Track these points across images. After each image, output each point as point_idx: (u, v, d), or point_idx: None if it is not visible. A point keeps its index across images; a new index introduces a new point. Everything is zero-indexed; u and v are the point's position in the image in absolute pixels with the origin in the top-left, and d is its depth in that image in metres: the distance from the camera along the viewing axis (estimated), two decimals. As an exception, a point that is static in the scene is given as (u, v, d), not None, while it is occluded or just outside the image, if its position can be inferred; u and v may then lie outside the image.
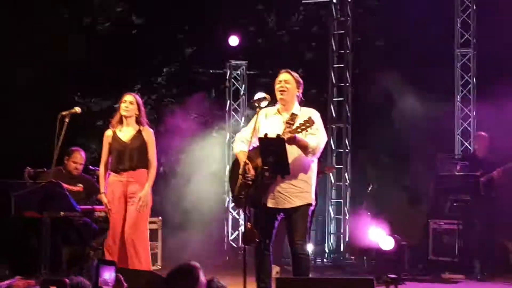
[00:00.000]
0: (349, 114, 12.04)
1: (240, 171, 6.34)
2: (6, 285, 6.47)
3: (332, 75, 12.19)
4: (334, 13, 12.26)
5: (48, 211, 7.16)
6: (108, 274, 4.39)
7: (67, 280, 4.64)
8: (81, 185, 8.70)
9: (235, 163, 6.65)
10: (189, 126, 12.43)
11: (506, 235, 9.98)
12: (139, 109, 7.51)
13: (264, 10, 13.54)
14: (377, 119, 12.11)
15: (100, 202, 8.35)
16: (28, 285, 6.67)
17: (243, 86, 12.94)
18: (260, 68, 13.05)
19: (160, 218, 10.04)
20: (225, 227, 12.63)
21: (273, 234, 6.54)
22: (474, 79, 11.43)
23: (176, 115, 12.52)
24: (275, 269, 8.58)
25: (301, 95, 6.66)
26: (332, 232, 12.03)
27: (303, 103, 6.65)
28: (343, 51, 12.15)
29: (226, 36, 12.58)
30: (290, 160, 6.21)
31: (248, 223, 6.24)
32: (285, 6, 13.48)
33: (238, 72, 12.98)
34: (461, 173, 10.01)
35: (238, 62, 12.96)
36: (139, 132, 7.47)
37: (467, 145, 11.26)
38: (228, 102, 12.91)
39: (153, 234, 9.25)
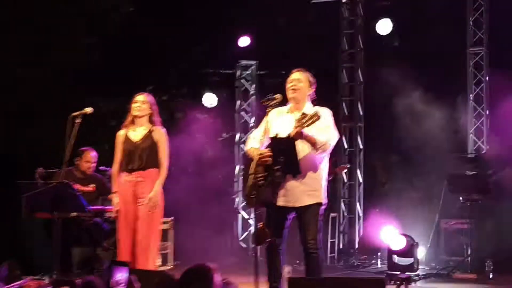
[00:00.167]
0: (361, 113, 12.03)
1: (251, 171, 6.33)
2: (18, 286, 6.49)
3: (343, 74, 12.17)
4: (344, 12, 12.24)
5: (59, 211, 7.17)
6: (120, 275, 4.39)
7: (78, 281, 4.64)
8: (93, 185, 8.73)
9: (249, 163, 6.63)
10: (199, 126, 12.45)
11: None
12: (151, 108, 7.50)
13: (274, 11, 13.50)
14: (388, 118, 12.07)
15: (111, 202, 8.38)
16: (39, 286, 6.69)
17: (253, 86, 12.93)
18: (270, 68, 13.02)
19: (171, 218, 10.05)
20: (236, 227, 12.62)
21: (284, 233, 6.53)
22: (487, 78, 11.37)
23: (187, 115, 12.53)
24: (287, 269, 8.55)
25: (313, 95, 6.65)
26: (343, 231, 12.01)
27: (316, 102, 6.63)
28: (353, 51, 12.14)
29: (236, 36, 12.58)
30: (300, 158, 6.20)
31: (260, 223, 6.23)
32: (295, 6, 13.44)
33: (248, 72, 12.97)
34: (473, 172, 9.97)
35: (248, 62, 12.96)
36: (150, 131, 7.46)
37: (480, 144, 11.20)
38: (238, 102, 12.90)
39: (164, 234, 9.26)
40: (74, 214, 7.89)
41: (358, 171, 11.98)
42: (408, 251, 9.00)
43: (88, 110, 7.44)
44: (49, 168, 8.60)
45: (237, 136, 12.74)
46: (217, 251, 10.89)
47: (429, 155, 11.44)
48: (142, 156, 7.38)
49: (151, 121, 7.50)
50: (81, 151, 8.84)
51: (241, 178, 12.11)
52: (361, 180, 12.00)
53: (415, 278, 8.81)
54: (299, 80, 6.55)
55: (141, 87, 9.24)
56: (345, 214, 12.06)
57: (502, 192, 9.70)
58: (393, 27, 12.11)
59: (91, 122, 7.66)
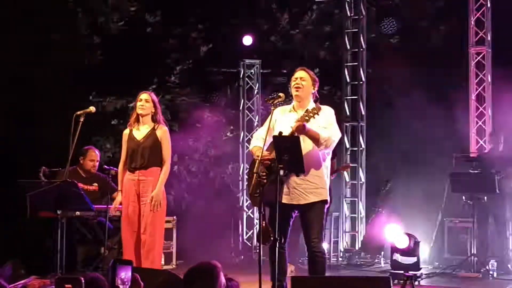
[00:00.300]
0: (363, 113, 12.03)
1: (255, 169, 6.34)
2: (22, 285, 6.50)
3: (346, 73, 12.18)
4: (347, 11, 12.24)
5: (63, 210, 7.18)
6: (125, 273, 4.39)
7: (82, 279, 4.64)
8: (96, 185, 8.75)
9: (253, 162, 6.65)
10: (203, 125, 12.46)
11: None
12: (155, 107, 7.52)
13: (277, 9, 13.52)
14: (391, 117, 12.08)
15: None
16: (43, 285, 6.70)
17: (257, 85, 12.94)
18: (274, 67, 13.04)
19: (174, 217, 10.06)
20: (240, 226, 12.62)
21: (288, 232, 6.54)
22: (489, 77, 11.36)
23: (190, 114, 12.53)
24: (290, 268, 8.57)
25: (316, 93, 6.66)
26: (347, 230, 12.02)
27: (319, 100, 6.64)
28: (356, 49, 12.15)
29: (240, 35, 12.58)
30: (304, 155, 6.21)
31: (263, 221, 6.23)
32: (298, 5, 13.46)
33: (252, 71, 12.97)
34: (476, 171, 9.97)
35: (251, 61, 12.96)
36: (153, 130, 7.47)
37: (482, 143, 11.20)
38: (242, 101, 12.90)
39: (167, 233, 9.27)
40: (79, 213, 7.90)
41: (361, 171, 11.99)
42: (412, 250, 8.99)
43: (92, 109, 7.49)
44: (51, 167, 8.61)
45: (242, 135, 12.74)
46: (221, 250, 10.88)
47: (431, 154, 11.44)
48: (144, 155, 7.40)
49: (154, 120, 7.51)
50: (85, 150, 8.86)
51: (245, 176, 12.12)
52: (363, 179, 12.00)
53: (419, 277, 8.81)
54: (302, 79, 6.57)
55: (144, 86, 9.26)
56: (348, 213, 12.05)
57: (505, 190, 9.69)
58: (396, 26, 12.12)
59: (92, 121, 7.66)
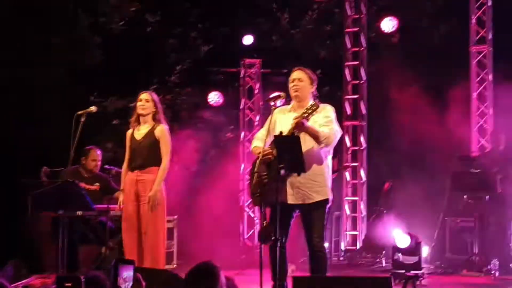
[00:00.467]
0: (364, 112, 12.02)
1: (255, 169, 6.34)
2: (23, 284, 6.50)
3: (347, 72, 12.17)
4: (347, 10, 12.24)
5: (65, 210, 7.18)
6: (127, 273, 4.39)
7: (82, 277, 4.65)
8: (97, 184, 8.75)
9: (254, 162, 6.64)
10: (204, 125, 12.45)
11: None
12: (155, 106, 7.50)
13: (277, 9, 13.52)
14: (392, 117, 12.07)
15: (116, 201, 8.39)
16: (44, 284, 6.70)
17: (257, 84, 12.93)
18: (274, 67, 13.03)
19: (175, 217, 10.05)
20: (241, 226, 12.62)
21: (289, 231, 6.54)
22: (490, 76, 11.35)
23: (190, 114, 12.52)
24: (291, 267, 8.55)
25: (315, 91, 6.66)
26: (348, 230, 12.01)
27: (318, 98, 6.64)
28: (357, 49, 12.14)
29: (240, 35, 12.58)
30: (305, 153, 6.21)
31: (264, 221, 6.23)
32: (299, 4, 13.46)
33: (252, 70, 12.97)
34: (478, 170, 9.95)
35: (252, 60, 12.96)
36: (152, 129, 7.46)
37: (484, 142, 11.18)
38: (243, 100, 12.90)
39: (168, 232, 9.25)
40: (80, 213, 7.90)
41: (362, 170, 11.98)
42: (413, 250, 8.98)
43: (93, 109, 7.48)
44: (53, 167, 8.61)
45: (242, 135, 12.74)
46: (222, 250, 10.87)
47: (432, 153, 11.44)
48: (143, 154, 7.40)
49: (155, 119, 7.50)
50: (87, 150, 8.86)
51: (246, 176, 12.11)
52: (364, 178, 12.00)
53: (420, 276, 8.80)
54: (300, 79, 6.58)
55: (144, 86, 9.26)
56: (349, 213, 12.04)
57: (506, 190, 9.68)
58: (397, 25, 12.11)
59: (93, 121, 7.66)
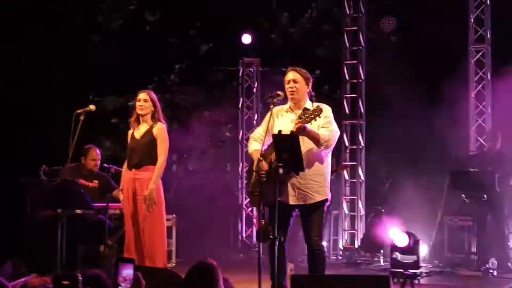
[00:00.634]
0: (362, 111, 12.02)
1: (254, 168, 6.35)
2: (22, 283, 6.49)
3: (345, 71, 12.17)
4: (346, 9, 12.24)
5: (64, 209, 7.18)
6: (127, 272, 4.39)
7: (79, 276, 4.65)
8: (96, 182, 8.75)
9: (253, 161, 6.65)
10: (202, 123, 12.46)
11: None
12: (154, 105, 7.50)
13: (276, 7, 13.53)
14: (390, 116, 12.07)
15: (114, 200, 8.40)
16: (43, 283, 6.69)
17: (256, 83, 12.94)
18: (273, 65, 13.04)
19: (174, 215, 10.05)
20: (239, 225, 12.63)
21: (288, 230, 6.55)
22: (489, 75, 11.36)
23: (189, 112, 12.52)
24: (289, 266, 8.56)
25: (311, 90, 6.66)
26: (346, 229, 12.01)
27: (314, 97, 6.65)
28: (356, 48, 12.14)
29: (239, 33, 12.59)
30: (305, 153, 6.22)
31: (263, 220, 6.24)
32: (297, 3, 13.46)
33: (251, 69, 12.97)
34: (476, 170, 9.96)
35: (251, 59, 12.96)
36: (150, 128, 7.46)
37: (482, 141, 11.19)
38: (241, 99, 12.91)
39: (167, 231, 9.24)
40: (79, 211, 7.90)
41: (360, 169, 11.98)
42: (411, 249, 8.97)
43: (92, 107, 7.48)
44: (52, 165, 8.61)
45: (241, 133, 12.74)
46: (221, 249, 10.89)
47: (431, 152, 11.44)
48: (140, 153, 7.40)
49: (154, 118, 7.49)
50: (86, 149, 8.86)
51: (244, 175, 12.12)
52: (363, 177, 12.00)
53: (418, 275, 8.80)
54: (295, 81, 6.56)
55: (143, 85, 9.27)
56: (347, 212, 12.05)
57: (503, 188, 9.69)
58: (395, 24, 12.12)
59: (92, 120, 7.66)
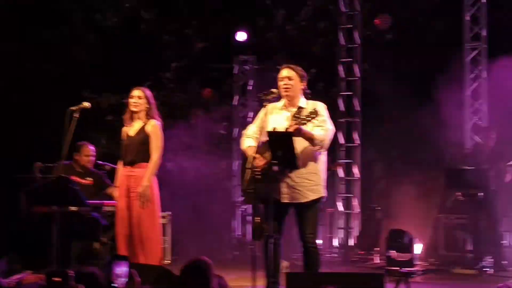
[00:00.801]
0: (358, 108, 12.02)
1: (248, 165, 6.34)
2: (17, 279, 6.48)
3: (341, 69, 12.17)
4: (342, 7, 12.23)
5: (58, 206, 7.16)
6: (121, 269, 4.39)
7: (72, 272, 4.63)
8: (90, 179, 8.73)
9: (246, 159, 6.64)
10: (197, 121, 12.44)
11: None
12: (148, 102, 7.47)
13: (272, 5, 13.51)
14: (385, 113, 12.08)
15: (109, 197, 8.39)
16: (38, 280, 6.68)
17: (251, 81, 12.92)
18: (268, 63, 13.02)
19: (169, 213, 10.04)
20: (233, 222, 12.62)
21: (283, 228, 6.54)
22: (485, 73, 11.36)
23: (184, 110, 12.51)
24: (284, 264, 8.56)
25: (306, 88, 6.64)
26: (341, 226, 12.01)
27: (309, 95, 6.63)
28: (351, 45, 12.13)
29: (234, 31, 12.57)
30: (300, 152, 6.22)
31: (257, 218, 6.23)
32: (293, 1, 13.44)
33: (246, 67, 12.96)
34: (471, 168, 9.96)
35: (246, 57, 12.95)
36: (144, 125, 7.44)
37: (478, 139, 11.19)
38: (236, 97, 12.89)
39: (162, 229, 9.24)
40: (74, 208, 7.88)
41: (355, 167, 11.98)
42: (407, 247, 8.99)
43: (86, 104, 7.43)
44: (46, 163, 8.60)
45: (235, 131, 12.73)
46: (215, 246, 10.89)
47: (426, 150, 11.45)
48: (134, 151, 7.38)
49: (148, 115, 7.47)
50: (79, 146, 8.82)
51: (239, 172, 12.11)
52: (358, 175, 11.99)
53: (413, 273, 8.81)
54: (289, 78, 6.54)
55: (139, 82, 9.24)
56: (343, 209, 12.05)
57: (497, 186, 9.69)
58: (391, 22, 12.12)
59: (87, 117, 7.64)
